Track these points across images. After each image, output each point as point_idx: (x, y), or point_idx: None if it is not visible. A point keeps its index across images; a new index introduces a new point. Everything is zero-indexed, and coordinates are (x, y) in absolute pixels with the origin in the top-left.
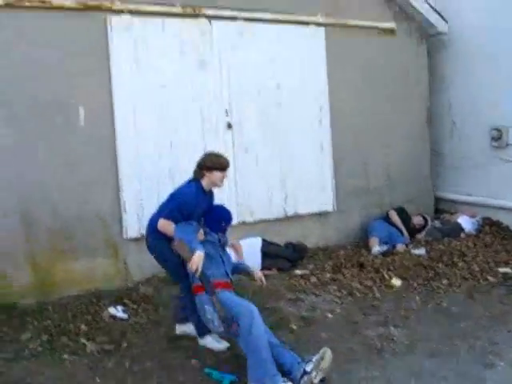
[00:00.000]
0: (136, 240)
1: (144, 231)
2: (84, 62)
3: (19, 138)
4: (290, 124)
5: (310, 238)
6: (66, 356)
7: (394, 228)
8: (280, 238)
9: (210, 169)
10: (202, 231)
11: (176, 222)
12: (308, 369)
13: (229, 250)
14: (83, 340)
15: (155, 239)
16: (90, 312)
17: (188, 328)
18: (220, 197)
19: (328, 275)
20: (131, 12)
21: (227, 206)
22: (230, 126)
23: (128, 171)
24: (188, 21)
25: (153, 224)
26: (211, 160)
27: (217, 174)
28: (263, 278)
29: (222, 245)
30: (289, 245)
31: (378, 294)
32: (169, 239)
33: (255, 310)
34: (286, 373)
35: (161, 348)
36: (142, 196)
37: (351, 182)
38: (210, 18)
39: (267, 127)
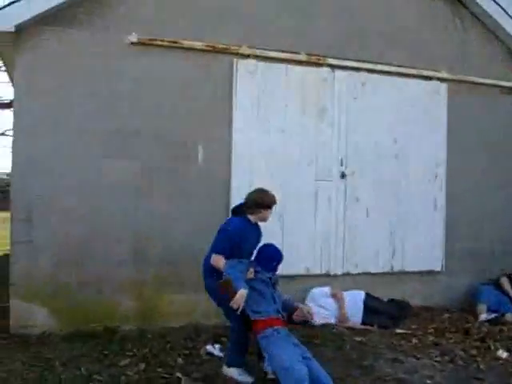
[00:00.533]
0: None
1: None
2: (208, 102)
3: (141, 171)
4: (403, 178)
5: (414, 297)
6: None
7: (505, 296)
8: (383, 293)
9: (264, 207)
10: (252, 269)
11: (227, 255)
12: None
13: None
14: (178, 373)
15: (208, 278)
16: (188, 346)
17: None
18: (328, 244)
19: (430, 338)
20: (257, 57)
21: (333, 254)
22: (343, 175)
23: None
24: (311, 69)
25: (206, 263)
26: (265, 198)
27: (267, 212)
28: (311, 310)
29: (274, 283)
30: (392, 301)
31: (483, 365)
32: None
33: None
34: None
35: None
36: None
37: (463, 242)
38: (333, 67)
39: (380, 179)
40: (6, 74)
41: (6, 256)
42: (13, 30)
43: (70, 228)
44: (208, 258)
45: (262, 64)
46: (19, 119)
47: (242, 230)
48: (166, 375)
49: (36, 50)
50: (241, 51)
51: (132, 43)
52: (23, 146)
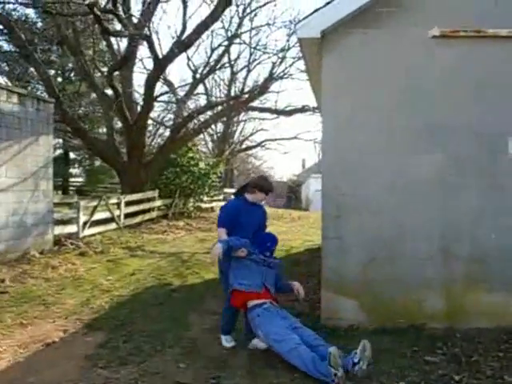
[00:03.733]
0: None
1: None
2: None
3: (449, 165)
4: None
5: None
6: None
7: None
8: None
9: (260, 189)
10: (244, 249)
11: (228, 229)
12: (356, 360)
13: None
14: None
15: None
16: (501, 349)
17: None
18: None
19: None
20: None
21: None
22: None
23: None
24: None
25: None
26: (264, 183)
27: (262, 194)
28: (300, 290)
29: (271, 266)
30: None
31: None
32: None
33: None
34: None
35: None
36: None
37: None
38: None
39: None
40: (307, 80)
41: (311, 251)
42: (319, 36)
43: (379, 225)
44: None
45: None
46: (328, 121)
47: (237, 206)
48: (481, 376)
49: (341, 54)
50: None
51: (434, 36)
52: (332, 147)
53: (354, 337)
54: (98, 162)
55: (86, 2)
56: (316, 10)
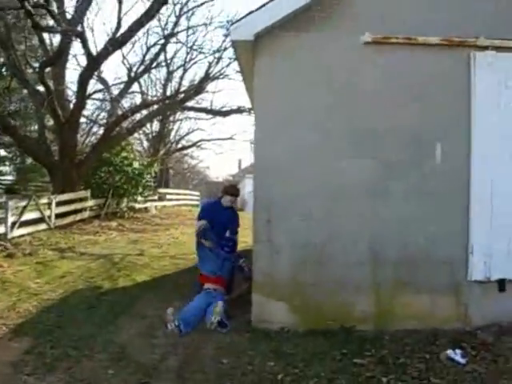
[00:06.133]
0: (481, 283)
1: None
2: (443, 99)
3: (377, 170)
4: None
5: None
6: None
7: None
8: None
9: (227, 193)
10: (210, 242)
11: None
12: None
13: None
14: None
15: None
16: (427, 350)
17: None
18: None
19: None
20: (496, 48)
21: None
22: None
23: (479, 212)
24: None
25: None
26: (230, 188)
27: (229, 197)
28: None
29: (225, 258)
30: None
31: None
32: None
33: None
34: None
35: None
36: (490, 239)
37: None
38: None
39: None
40: (242, 81)
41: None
42: (252, 39)
43: (309, 229)
44: None
45: (501, 56)
46: (260, 123)
47: (209, 207)
48: (406, 378)
49: (274, 56)
50: (478, 43)
51: (366, 42)
52: (264, 149)
53: (286, 339)
54: (29, 160)
55: None
56: (250, 13)
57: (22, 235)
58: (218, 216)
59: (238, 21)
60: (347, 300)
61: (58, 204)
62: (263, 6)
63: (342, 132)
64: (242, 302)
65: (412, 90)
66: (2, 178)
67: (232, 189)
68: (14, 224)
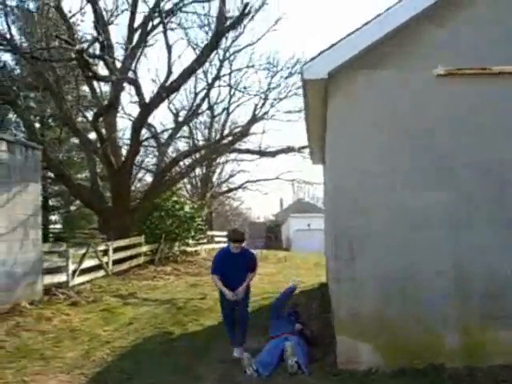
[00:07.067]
0: None
1: None
2: None
3: (459, 202)
4: None
5: None
6: None
7: None
8: None
9: (231, 240)
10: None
11: (218, 274)
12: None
13: None
14: None
15: None
16: None
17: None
18: None
19: None
20: None
21: None
22: None
23: None
24: None
25: None
26: (231, 235)
27: (233, 244)
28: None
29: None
30: None
31: None
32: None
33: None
34: None
35: None
36: None
37: None
38: None
39: None
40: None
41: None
42: (326, 77)
43: (390, 263)
44: None
45: None
46: (336, 161)
47: (221, 256)
48: None
49: (347, 94)
50: None
51: (439, 75)
52: (341, 187)
53: (373, 381)
54: (73, 208)
55: (76, 48)
56: (322, 52)
57: (83, 283)
58: (229, 264)
59: (310, 60)
60: (435, 335)
61: (115, 250)
62: (334, 44)
63: (419, 166)
64: (322, 345)
65: (487, 119)
66: (52, 226)
67: (235, 235)
68: (74, 272)
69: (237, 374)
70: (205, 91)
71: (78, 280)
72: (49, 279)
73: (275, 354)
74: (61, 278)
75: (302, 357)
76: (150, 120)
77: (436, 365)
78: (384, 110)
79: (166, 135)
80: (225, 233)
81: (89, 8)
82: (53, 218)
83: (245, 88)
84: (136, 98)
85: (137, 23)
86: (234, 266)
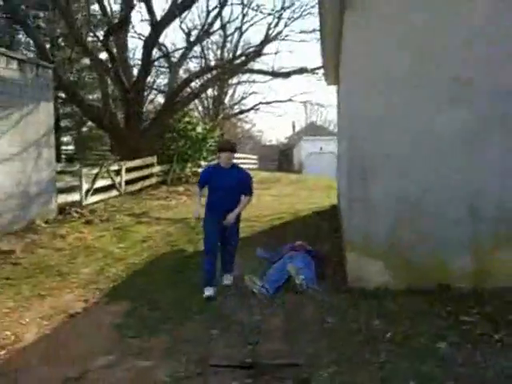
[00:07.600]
0: None
1: None
2: None
3: (474, 123)
4: None
5: None
6: None
7: None
8: None
9: (219, 150)
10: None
11: (202, 186)
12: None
13: None
14: None
15: None
16: None
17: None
18: None
19: None
20: None
21: None
22: None
23: None
24: None
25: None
26: (219, 144)
27: (221, 154)
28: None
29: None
30: None
31: None
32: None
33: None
34: None
35: None
36: None
37: None
38: None
39: None
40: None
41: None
42: None
43: (404, 185)
44: None
45: None
46: (354, 81)
47: (209, 170)
48: None
49: (365, 7)
50: None
51: None
52: (358, 108)
53: (385, 298)
54: (85, 129)
55: None
56: None
57: (96, 202)
58: (216, 179)
59: None
60: (444, 258)
61: (127, 171)
62: None
63: (437, 85)
64: (331, 263)
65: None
66: (64, 148)
67: (223, 144)
68: (87, 191)
69: (249, 291)
70: (217, 9)
71: (92, 199)
72: (63, 198)
73: (282, 274)
74: (74, 197)
75: (310, 273)
76: (162, 39)
77: (443, 285)
78: (401, 29)
79: (177, 55)
80: (237, 155)
81: None
82: (64, 139)
83: (258, 6)
84: (147, 17)
85: None
86: (223, 185)
